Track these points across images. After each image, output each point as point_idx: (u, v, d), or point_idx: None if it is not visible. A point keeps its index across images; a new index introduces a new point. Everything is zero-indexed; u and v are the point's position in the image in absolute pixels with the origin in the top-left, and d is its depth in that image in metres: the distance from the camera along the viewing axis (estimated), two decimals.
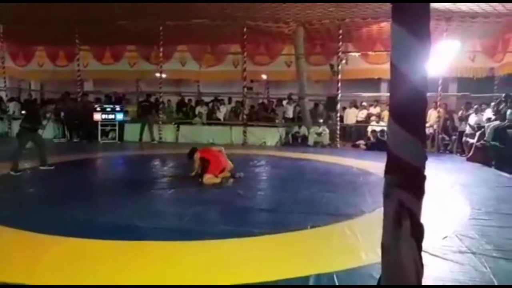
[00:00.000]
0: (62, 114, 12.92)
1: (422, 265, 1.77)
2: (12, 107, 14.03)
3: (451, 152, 11.01)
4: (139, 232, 3.78)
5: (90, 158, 9.38)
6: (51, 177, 6.82)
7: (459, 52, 11.12)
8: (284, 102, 13.73)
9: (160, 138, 12.87)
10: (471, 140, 9.52)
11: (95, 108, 12.76)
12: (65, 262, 3.06)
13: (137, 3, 9.85)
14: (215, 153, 6.40)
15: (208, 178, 6.01)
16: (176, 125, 13.29)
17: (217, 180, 6.04)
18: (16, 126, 11.46)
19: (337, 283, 2.72)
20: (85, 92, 14.43)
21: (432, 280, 2.78)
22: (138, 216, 4.26)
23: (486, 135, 8.73)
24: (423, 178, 1.75)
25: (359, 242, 3.55)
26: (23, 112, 11.75)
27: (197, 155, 6.31)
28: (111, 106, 12.92)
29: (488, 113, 9.92)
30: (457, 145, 10.78)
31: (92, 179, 7.08)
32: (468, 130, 10.05)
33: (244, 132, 12.57)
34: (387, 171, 1.79)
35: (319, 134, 12.25)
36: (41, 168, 7.12)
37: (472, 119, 10.01)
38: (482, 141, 8.85)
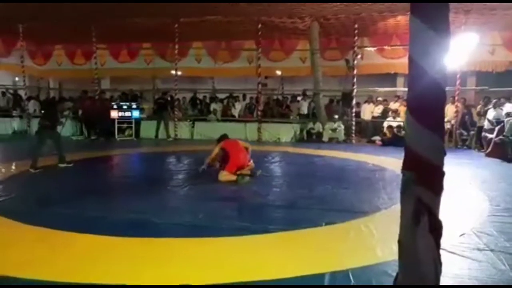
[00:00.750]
0: (80, 112, 13.19)
1: (440, 262, 1.76)
2: (31, 105, 14.33)
3: (469, 147, 10.81)
4: (155, 228, 3.84)
5: (107, 155, 9.53)
6: (69, 174, 6.97)
7: (478, 45, 10.85)
8: (299, 98, 13.67)
9: (176, 135, 12.97)
10: (489, 135, 9.32)
11: (112, 106, 12.95)
12: (82, 258, 3.12)
13: (153, 2, 9.91)
14: (238, 147, 6.31)
15: (224, 175, 5.99)
16: (191, 122, 13.40)
17: (233, 178, 6.00)
18: (35, 124, 11.75)
19: (352, 281, 2.71)
20: (102, 90, 14.65)
21: (450, 277, 2.75)
22: (154, 213, 4.32)
23: (505, 130, 8.54)
24: (442, 174, 1.73)
25: (375, 239, 3.54)
26: (42, 110, 11.99)
27: (221, 144, 6.31)
28: (128, 103, 13.09)
29: (508, 107, 9.67)
30: (476, 141, 10.57)
31: (109, 176, 7.21)
32: (486, 125, 9.83)
33: (259, 128, 12.58)
34: (405, 167, 1.78)
35: (334, 130, 12.17)
36: (60, 165, 7.27)
37: (491, 113, 9.79)
38: (501, 136, 8.67)
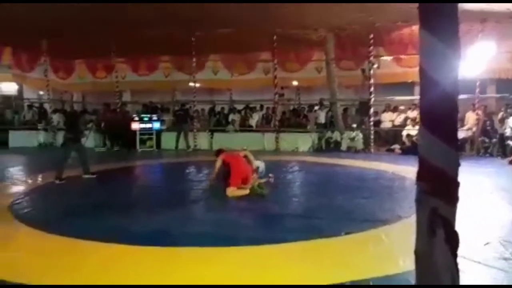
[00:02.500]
0: (102, 124, 13.54)
1: (458, 273, 1.76)
2: (55, 118, 14.78)
3: (491, 155, 10.60)
4: (173, 238, 3.91)
5: (129, 166, 9.74)
6: (93, 185, 7.14)
7: (497, 52, 10.71)
8: (316, 108, 13.70)
9: (195, 145, 13.16)
10: None
11: (133, 118, 13.25)
12: (103, 267, 3.20)
13: (170, 16, 10.16)
14: (238, 158, 6.11)
15: (231, 191, 5.70)
16: (210, 133, 13.57)
17: (244, 192, 5.75)
18: (59, 137, 12.12)
19: None
20: (123, 102, 15.00)
21: None
22: (173, 223, 4.42)
23: None
24: (456, 185, 1.73)
25: (396, 248, 3.52)
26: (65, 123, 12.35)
27: (221, 157, 6.09)
28: (148, 115, 13.36)
29: None
30: (498, 148, 10.36)
31: (131, 187, 7.34)
32: (508, 132, 9.65)
33: (276, 138, 12.64)
34: (419, 178, 1.79)
35: (352, 139, 12.13)
36: (84, 176, 7.46)
37: None
38: None
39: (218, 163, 6.04)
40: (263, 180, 6.32)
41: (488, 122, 11.13)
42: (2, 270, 3.10)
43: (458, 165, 1.74)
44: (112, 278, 2.96)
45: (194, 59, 13.18)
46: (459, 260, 1.77)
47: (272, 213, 4.94)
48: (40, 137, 14.70)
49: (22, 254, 3.56)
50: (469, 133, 11.15)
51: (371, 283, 2.79)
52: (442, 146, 1.70)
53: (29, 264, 3.29)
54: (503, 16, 9.80)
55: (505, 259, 3.25)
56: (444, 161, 1.71)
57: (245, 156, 6.28)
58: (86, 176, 7.48)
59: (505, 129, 10.04)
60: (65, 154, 7.41)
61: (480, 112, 11.18)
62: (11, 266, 3.23)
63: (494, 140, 10.64)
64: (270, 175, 6.62)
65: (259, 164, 6.63)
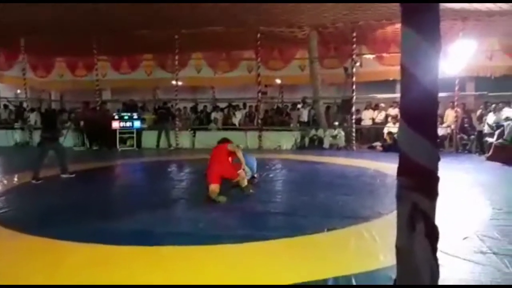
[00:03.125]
0: (82, 123, 13.26)
1: (437, 266, 1.77)
2: (32, 117, 14.43)
3: (470, 151, 10.82)
4: (156, 237, 3.85)
5: (109, 166, 9.56)
6: (71, 184, 6.99)
7: (477, 51, 10.94)
8: (299, 106, 13.75)
9: (177, 144, 13.03)
10: (490, 139, 9.36)
11: (113, 117, 13.03)
12: (83, 267, 3.12)
13: (152, 12, 10.03)
14: (221, 154, 5.52)
15: (211, 191, 5.24)
16: (192, 131, 13.45)
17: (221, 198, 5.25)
18: (36, 136, 11.81)
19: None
20: (103, 101, 14.75)
21: (453, 281, 2.75)
22: (155, 222, 4.35)
23: (505, 134, 8.56)
24: (436, 180, 1.74)
25: (377, 244, 3.54)
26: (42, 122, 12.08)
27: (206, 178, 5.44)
28: (129, 114, 13.16)
29: (507, 112, 9.73)
30: (476, 145, 10.60)
31: (111, 187, 7.22)
32: (486, 129, 9.87)
33: (259, 136, 12.63)
34: (400, 173, 1.80)
35: (334, 137, 12.22)
36: (62, 176, 7.30)
37: (491, 118, 9.84)
38: (501, 140, 8.69)
39: (239, 153, 5.55)
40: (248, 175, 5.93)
41: (466, 120, 11.36)
42: None
43: (438, 160, 1.76)
44: (92, 278, 2.89)
45: (177, 57, 13.04)
46: (438, 254, 1.78)
47: (255, 211, 4.91)
48: (16, 136, 14.34)
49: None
50: (448, 130, 11.37)
51: (352, 279, 2.79)
52: (422, 141, 1.72)
53: (4, 266, 3.18)
54: (483, 14, 10.02)
55: (483, 253, 3.30)
56: (424, 156, 1.73)
57: (232, 152, 5.59)
58: (64, 175, 7.31)
59: (483, 126, 10.25)
60: (41, 153, 7.23)
61: (459, 109, 11.41)
62: None
63: (472, 137, 10.87)
64: (255, 174, 6.56)
65: (249, 163, 6.13)
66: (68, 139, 12.92)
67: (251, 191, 5.61)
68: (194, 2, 9.20)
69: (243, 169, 5.63)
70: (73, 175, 7.39)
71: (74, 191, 6.49)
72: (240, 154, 5.57)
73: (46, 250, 3.55)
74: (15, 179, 7.22)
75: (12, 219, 4.52)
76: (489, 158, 9.05)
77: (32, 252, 3.52)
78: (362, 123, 13.43)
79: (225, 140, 5.82)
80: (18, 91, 16.93)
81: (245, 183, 5.61)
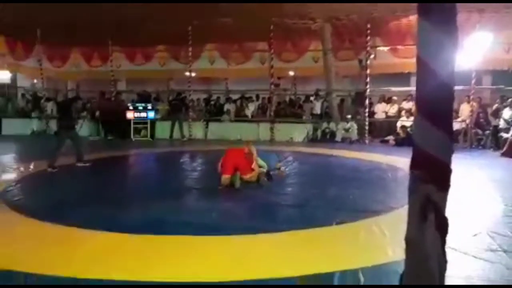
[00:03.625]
0: (97, 113, 13.46)
1: (445, 259, 1.78)
2: (49, 106, 14.68)
3: (484, 147, 10.65)
4: (168, 226, 3.92)
5: (124, 155, 9.72)
6: (86, 173, 7.13)
7: (493, 43, 10.70)
8: (312, 98, 13.68)
9: (190, 135, 13.13)
10: (505, 135, 9.19)
11: (128, 107, 13.18)
12: (97, 255, 3.20)
13: (166, 4, 10.06)
14: (229, 154, 5.77)
15: (223, 179, 5.52)
16: (205, 122, 13.54)
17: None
18: (53, 125, 12.05)
19: (362, 279, 2.72)
20: (118, 91, 14.92)
21: (462, 278, 2.75)
22: (168, 212, 4.43)
23: None
24: (449, 171, 1.74)
25: (386, 238, 3.55)
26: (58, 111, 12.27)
27: (219, 167, 5.71)
28: (143, 104, 13.30)
29: None
30: (491, 140, 10.42)
31: (125, 176, 7.35)
32: (502, 124, 9.69)
33: (272, 128, 12.63)
34: (413, 165, 1.80)
35: (347, 130, 12.15)
36: (78, 164, 7.44)
37: (507, 113, 9.64)
38: None
39: (254, 153, 5.83)
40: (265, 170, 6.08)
41: (481, 114, 11.16)
42: None
43: (452, 152, 1.76)
44: (105, 266, 2.96)
45: (190, 49, 13.08)
46: (447, 250, 1.79)
47: (266, 203, 4.96)
48: (33, 125, 14.61)
49: (16, 242, 3.55)
50: (463, 125, 11.19)
51: (360, 273, 2.81)
52: (437, 133, 1.72)
53: (19, 253, 3.27)
54: (500, 6, 9.78)
55: (492, 250, 3.29)
56: (438, 149, 1.73)
57: (248, 153, 5.86)
58: (80, 164, 7.45)
59: (499, 121, 10.07)
60: (59, 142, 7.37)
61: (474, 103, 11.20)
62: (5, 254, 3.21)
63: (488, 132, 10.69)
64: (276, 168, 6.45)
65: (264, 164, 6.18)
66: (83, 129, 13.18)
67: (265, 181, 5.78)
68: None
69: (258, 168, 5.86)
70: (88, 164, 7.52)
71: (88, 180, 6.64)
72: (255, 154, 5.89)
73: (61, 238, 3.64)
74: (31, 167, 7.38)
75: (28, 207, 4.63)
76: (503, 154, 8.90)
77: (47, 239, 3.61)
78: (375, 116, 13.30)
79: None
80: (35, 80, 17.23)
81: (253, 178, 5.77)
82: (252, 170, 5.75)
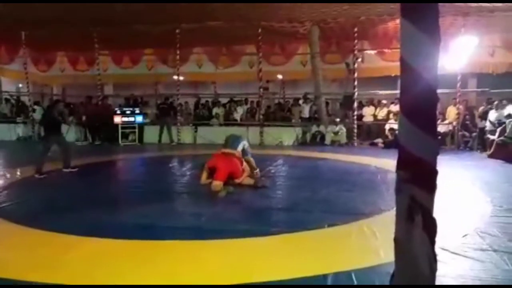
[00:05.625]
0: (84, 117, 13.28)
1: (435, 259, 1.78)
2: (38, 111, 14.36)
3: (471, 149, 10.82)
4: (157, 231, 3.87)
5: (112, 160, 9.60)
6: (74, 179, 7.01)
7: (478, 47, 10.90)
8: (300, 102, 13.75)
9: (179, 139, 13.05)
10: (492, 137, 9.35)
11: (115, 111, 13.05)
12: (86, 260, 3.15)
13: (153, 6, 10.01)
14: (222, 158, 5.70)
15: (215, 185, 5.35)
16: (194, 127, 13.47)
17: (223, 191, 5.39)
18: (39, 130, 11.83)
19: (355, 281, 2.72)
20: (105, 96, 14.77)
21: (453, 278, 2.76)
22: (158, 216, 4.37)
23: (507, 131, 8.56)
24: (435, 173, 1.75)
25: (378, 240, 3.55)
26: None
27: (206, 167, 5.62)
28: (131, 109, 13.17)
29: (509, 109, 9.71)
30: (478, 142, 10.59)
31: (114, 181, 7.26)
32: (488, 126, 9.86)
33: (261, 132, 12.63)
34: (399, 166, 1.81)
35: (336, 133, 12.22)
36: (65, 170, 7.30)
37: (493, 115, 9.82)
38: (503, 137, 8.69)
39: (206, 172, 5.60)
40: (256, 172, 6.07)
41: (467, 117, 11.34)
42: None
43: (437, 153, 1.77)
44: (94, 272, 2.92)
45: (178, 52, 13.02)
46: (437, 251, 1.79)
47: (256, 206, 4.94)
48: (18, 130, 14.36)
49: (3, 249, 3.49)
50: (450, 127, 11.35)
51: (352, 275, 2.80)
52: (421, 135, 1.73)
53: (7, 259, 3.20)
54: (485, 10, 9.97)
55: (482, 250, 3.31)
56: (423, 149, 1.74)
57: (224, 153, 5.82)
58: (67, 170, 7.32)
59: (485, 123, 10.24)
60: (44, 147, 7.24)
61: (461, 106, 11.38)
62: None
63: (474, 134, 10.86)
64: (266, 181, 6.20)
65: (242, 145, 6.04)
66: (70, 134, 13.01)
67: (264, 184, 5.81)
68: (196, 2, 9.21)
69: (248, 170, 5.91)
70: (76, 170, 7.40)
71: (76, 185, 6.53)
72: (249, 160, 6.00)
73: (49, 244, 3.56)
74: (18, 173, 7.25)
75: (15, 213, 4.54)
76: (490, 156, 9.04)
77: (35, 245, 3.54)
78: (364, 119, 13.41)
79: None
80: (20, 85, 16.96)
81: (251, 181, 5.78)
82: (243, 171, 5.77)
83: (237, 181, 5.69)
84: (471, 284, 2.71)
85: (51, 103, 8.73)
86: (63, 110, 8.36)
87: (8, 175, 7.11)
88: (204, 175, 5.61)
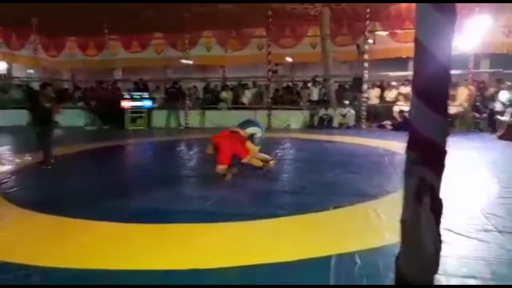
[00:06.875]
0: (94, 102, 13.39)
1: (440, 240, 1.80)
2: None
3: (481, 130, 10.66)
4: (165, 215, 3.92)
5: (120, 145, 9.69)
6: (83, 163, 7.10)
7: (492, 27, 10.62)
8: (309, 85, 13.63)
9: (187, 123, 13.10)
10: (501, 118, 9.20)
11: (124, 96, 13.12)
12: (95, 245, 3.20)
13: None
14: (227, 137, 5.53)
15: (219, 169, 5.29)
16: (202, 111, 13.49)
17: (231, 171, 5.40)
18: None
19: (359, 263, 2.74)
20: (114, 80, 14.83)
21: (456, 258, 2.77)
22: (165, 200, 4.43)
23: None
24: (444, 153, 1.75)
25: (383, 221, 3.57)
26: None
27: (211, 140, 5.56)
28: (139, 93, 13.22)
29: None
30: (488, 123, 10.42)
31: (121, 165, 7.34)
32: (498, 107, 9.68)
33: (269, 115, 12.60)
34: (409, 147, 1.82)
35: (344, 116, 12.14)
36: (42, 167, 6.37)
37: (504, 96, 9.62)
38: None
39: (211, 148, 5.53)
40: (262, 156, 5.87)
41: (478, 98, 11.14)
42: None
43: (447, 134, 1.77)
44: (102, 256, 2.97)
45: (187, 36, 12.94)
46: (442, 231, 1.80)
47: (263, 189, 4.97)
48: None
49: (11, 233, 3.55)
50: (460, 109, 11.17)
51: (356, 256, 2.82)
52: (433, 115, 1.72)
53: (17, 244, 3.27)
54: None
55: (487, 230, 3.31)
56: (433, 130, 1.74)
57: (233, 131, 5.66)
58: (44, 167, 6.35)
59: (495, 104, 10.06)
60: (38, 138, 6.52)
61: (472, 87, 11.17)
62: (3, 246, 3.22)
63: (485, 115, 10.68)
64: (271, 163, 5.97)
65: (253, 130, 5.92)
66: (79, 118, 13.17)
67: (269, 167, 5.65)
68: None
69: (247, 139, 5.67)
70: (50, 168, 6.39)
71: (83, 170, 6.58)
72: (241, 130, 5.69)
73: (58, 228, 3.63)
74: (28, 158, 7.34)
75: (25, 198, 4.60)
76: (500, 137, 8.91)
77: (44, 230, 3.60)
78: (369, 102, 13.22)
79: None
80: (30, 70, 17.09)
81: (259, 163, 5.60)
82: (248, 151, 5.53)
83: (244, 161, 5.46)
84: (471, 284, 2.65)
85: (40, 87, 7.47)
86: (52, 95, 7.14)
87: (17, 160, 7.21)
88: (210, 147, 5.54)
